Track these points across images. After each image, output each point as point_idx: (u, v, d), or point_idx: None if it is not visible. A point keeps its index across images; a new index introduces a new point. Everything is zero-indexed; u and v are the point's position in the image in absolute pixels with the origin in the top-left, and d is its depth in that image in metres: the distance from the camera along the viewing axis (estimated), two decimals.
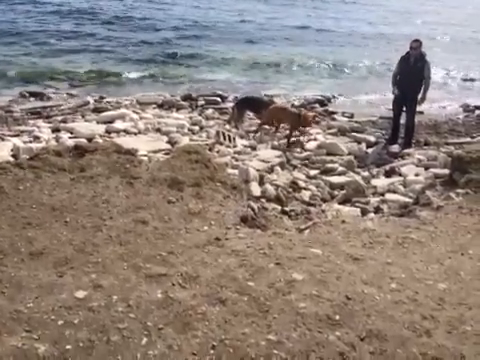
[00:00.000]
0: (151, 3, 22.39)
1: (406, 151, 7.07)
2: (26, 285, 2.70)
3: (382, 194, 5.55)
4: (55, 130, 7.32)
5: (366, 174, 6.22)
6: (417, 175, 6.06)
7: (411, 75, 7.05)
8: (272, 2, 24.52)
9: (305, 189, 5.66)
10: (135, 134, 7.31)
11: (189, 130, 7.74)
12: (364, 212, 4.97)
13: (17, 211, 3.51)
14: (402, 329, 2.53)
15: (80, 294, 2.64)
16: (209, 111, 8.92)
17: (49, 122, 7.85)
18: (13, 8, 18.26)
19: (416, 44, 7.04)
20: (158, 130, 7.52)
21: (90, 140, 6.58)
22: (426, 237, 3.67)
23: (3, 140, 6.53)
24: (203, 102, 9.58)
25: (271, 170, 6.09)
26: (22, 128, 7.41)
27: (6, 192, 3.76)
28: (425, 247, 3.51)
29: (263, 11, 21.48)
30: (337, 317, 2.58)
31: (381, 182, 5.94)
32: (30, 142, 6.59)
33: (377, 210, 5.03)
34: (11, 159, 5.28)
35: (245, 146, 7.15)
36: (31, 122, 7.81)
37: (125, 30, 17.01)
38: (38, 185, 3.96)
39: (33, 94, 9.79)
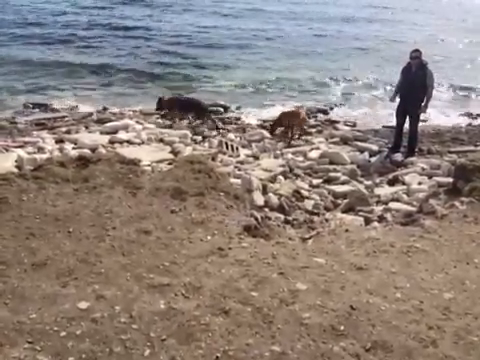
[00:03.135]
0: (151, 16, 22.58)
1: (409, 160, 7.05)
2: (29, 296, 2.69)
3: (385, 203, 5.52)
4: (59, 141, 7.36)
5: (369, 183, 6.21)
6: (420, 184, 6.04)
7: (413, 84, 7.06)
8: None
9: (308, 198, 5.65)
10: (138, 144, 7.34)
11: (192, 140, 7.77)
12: (368, 221, 4.94)
13: (20, 222, 3.52)
14: (407, 339, 2.51)
15: (83, 305, 2.63)
16: None
17: (53, 133, 7.90)
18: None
19: (416, 54, 7.06)
20: (161, 140, 7.55)
21: (93, 151, 6.60)
22: (431, 246, 3.65)
23: (7, 151, 6.57)
24: None
25: (274, 179, 6.08)
26: (26, 139, 7.45)
27: (10, 203, 3.77)
28: (430, 256, 3.48)
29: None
30: (342, 327, 2.56)
31: (384, 191, 5.92)
32: (34, 153, 6.63)
33: (381, 219, 4.99)
34: (15, 170, 5.29)
35: (248, 155, 7.16)
36: (35, 133, 7.86)
37: (128, 40, 17.19)
38: (41, 196, 3.97)
39: (37, 105, 9.87)
